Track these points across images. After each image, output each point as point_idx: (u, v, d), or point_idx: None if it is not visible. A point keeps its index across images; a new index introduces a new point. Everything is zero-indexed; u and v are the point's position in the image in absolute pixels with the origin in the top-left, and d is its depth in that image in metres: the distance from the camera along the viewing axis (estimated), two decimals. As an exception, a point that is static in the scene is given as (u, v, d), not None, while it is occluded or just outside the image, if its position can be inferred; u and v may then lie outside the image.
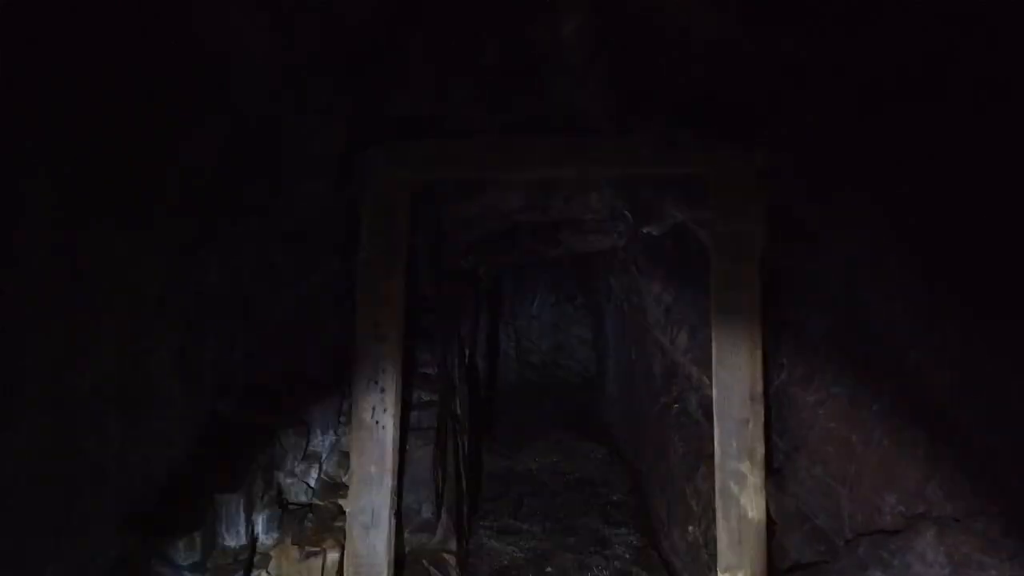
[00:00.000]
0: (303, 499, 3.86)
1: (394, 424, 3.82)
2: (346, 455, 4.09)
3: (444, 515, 4.54)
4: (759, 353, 3.39)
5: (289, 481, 3.84)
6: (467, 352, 6.44)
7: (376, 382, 3.79)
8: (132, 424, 2.83)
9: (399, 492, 3.99)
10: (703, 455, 4.90)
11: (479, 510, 6.24)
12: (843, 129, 2.77)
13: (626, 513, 6.34)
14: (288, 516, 3.68)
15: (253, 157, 3.11)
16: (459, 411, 5.42)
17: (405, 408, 4.07)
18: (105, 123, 2.33)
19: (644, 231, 5.34)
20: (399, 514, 4.02)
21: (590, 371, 11.21)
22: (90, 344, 2.51)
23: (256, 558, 3.46)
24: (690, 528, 4.66)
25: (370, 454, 3.78)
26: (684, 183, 4.17)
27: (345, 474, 4.03)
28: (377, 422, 3.79)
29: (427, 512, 4.31)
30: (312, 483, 3.93)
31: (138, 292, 2.82)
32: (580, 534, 5.88)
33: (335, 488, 3.98)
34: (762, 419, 3.37)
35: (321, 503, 3.88)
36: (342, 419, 4.15)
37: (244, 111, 2.88)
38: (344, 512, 3.87)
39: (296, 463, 3.90)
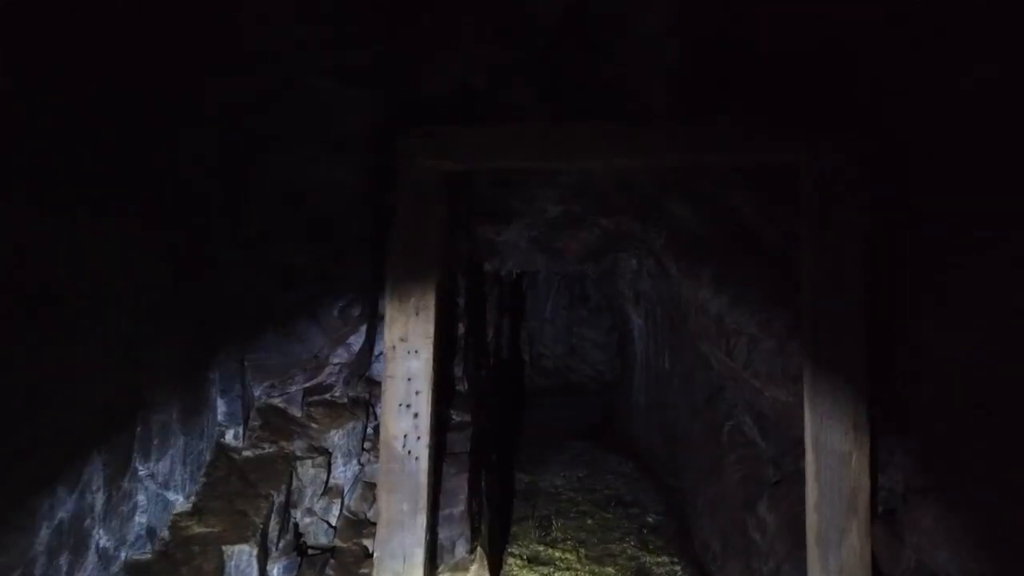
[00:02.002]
0: (323, 541, 3.34)
1: (428, 454, 3.30)
2: (371, 486, 3.57)
3: (478, 550, 4.03)
4: (864, 373, 2.87)
5: (307, 520, 3.32)
6: (492, 361, 5.93)
7: (408, 405, 3.27)
8: (123, 469, 2.32)
9: (433, 530, 3.47)
10: (764, 481, 4.40)
11: (506, 534, 5.72)
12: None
13: (665, 538, 5.82)
14: (307, 564, 3.16)
15: (269, 128, 2.60)
16: (489, 426, 4.90)
17: (438, 432, 3.54)
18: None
19: (696, 232, 4.83)
20: (432, 554, 3.50)
21: (606, 376, 10.72)
22: (64, 378, 2.00)
23: (271, 616, 2.95)
24: (754, 565, 4.14)
25: (402, 489, 3.26)
26: (755, 175, 3.67)
27: (370, 508, 3.52)
28: (409, 452, 3.27)
29: (462, 549, 3.79)
30: (333, 521, 3.41)
31: (131, 307, 2.31)
32: (619, 563, 5.36)
33: (359, 526, 3.46)
34: (867, 452, 2.86)
35: (343, 545, 3.36)
36: (366, 444, 3.63)
37: (259, 66, 2.37)
38: (370, 555, 3.35)
39: (315, 499, 3.38)
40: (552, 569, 5.22)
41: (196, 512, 2.79)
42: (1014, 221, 2.15)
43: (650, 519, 6.23)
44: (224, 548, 2.69)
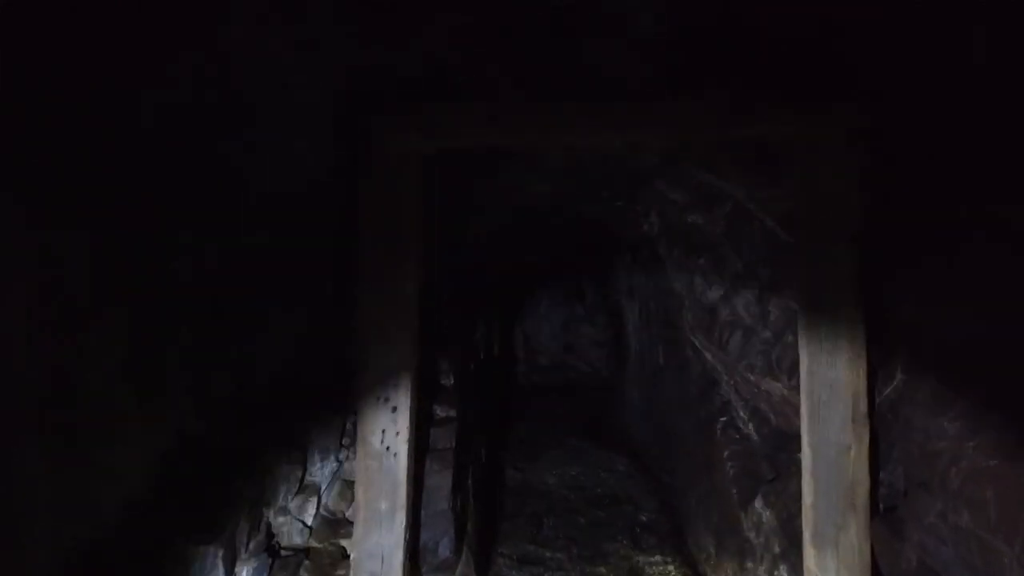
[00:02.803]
0: (298, 541, 3.19)
1: (408, 450, 3.16)
2: (349, 484, 3.42)
3: (464, 550, 3.88)
4: (863, 362, 2.73)
5: (281, 520, 3.16)
6: (483, 356, 5.78)
7: (386, 399, 3.12)
8: (66, 457, 2.16)
9: (414, 529, 3.33)
10: (760, 479, 4.26)
11: (495, 533, 5.57)
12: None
13: (658, 536, 5.68)
14: (279, 565, 3.01)
15: (224, 101, 2.44)
16: (475, 423, 4.75)
17: (420, 427, 3.40)
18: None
19: (689, 220, 4.69)
20: (414, 555, 3.36)
21: (602, 374, 10.56)
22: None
23: (240, 620, 2.80)
24: (749, 565, 4.01)
25: (379, 486, 3.12)
26: (747, 160, 3.53)
27: (348, 507, 3.37)
28: (388, 448, 3.12)
29: (445, 550, 3.65)
30: (309, 521, 3.26)
31: (72, 284, 2.16)
32: (611, 563, 5.22)
33: (336, 525, 3.31)
34: (867, 446, 2.72)
35: (319, 545, 3.21)
36: (345, 440, 3.48)
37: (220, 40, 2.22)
38: (347, 556, 3.21)
39: (290, 497, 3.23)
40: (543, 569, 5.09)
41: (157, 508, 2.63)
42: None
43: (643, 517, 6.10)
44: (187, 548, 2.54)
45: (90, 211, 2.21)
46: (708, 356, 5.13)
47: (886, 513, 2.68)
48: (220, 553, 2.63)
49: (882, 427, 2.74)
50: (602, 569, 5.12)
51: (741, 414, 4.73)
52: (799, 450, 3.97)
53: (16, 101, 1.81)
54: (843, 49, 2.77)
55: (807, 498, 2.81)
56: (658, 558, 5.27)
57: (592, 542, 5.58)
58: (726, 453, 4.65)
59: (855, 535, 2.70)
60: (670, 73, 2.98)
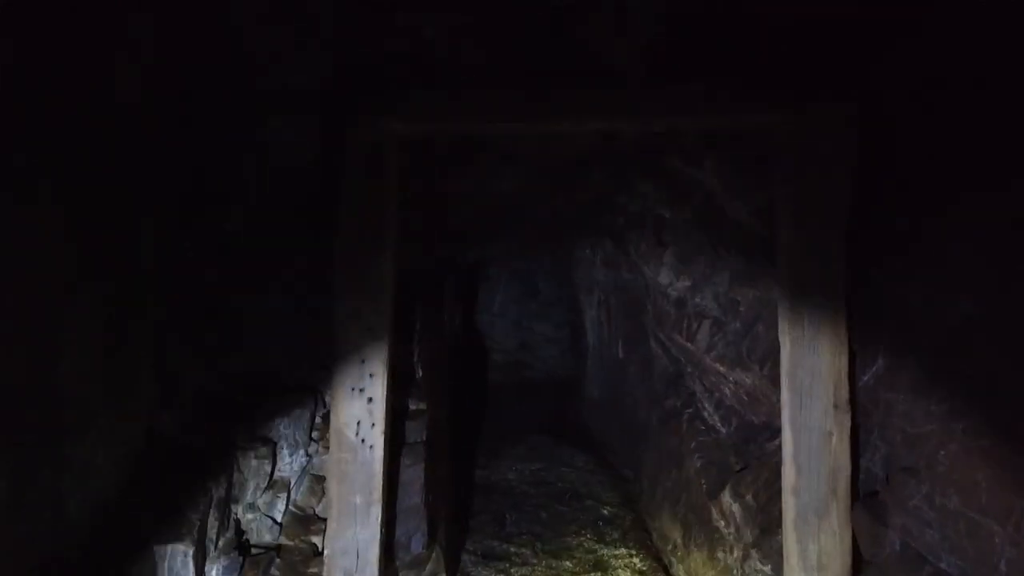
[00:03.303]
0: (267, 539, 3.07)
1: (383, 442, 3.06)
2: (319, 479, 3.31)
3: (435, 546, 3.80)
4: (845, 349, 2.76)
5: (250, 517, 3.04)
6: (449, 348, 5.70)
7: (361, 389, 3.02)
8: (32, 454, 2.02)
9: (389, 524, 3.24)
10: (727, 469, 4.29)
11: (462, 529, 5.50)
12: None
13: (622, 530, 5.67)
14: (250, 563, 2.88)
15: (206, 79, 2.33)
16: (446, 416, 4.68)
17: (394, 419, 3.30)
18: None
19: (658, 212, 4.70)
20: (388, 550, 3.26)
21: (558, 372, 10.52)
22: None
23: (209, 622, 2.67)
24: (719, 555, 4.02)
25: (353, 480, 3.01)
26: (724, 148, 3.53)
27: (319, 503, 3.26)
28: (363, 440, 3.02)
29: (418, 545, 3.56)
30: (279, 517, 3.14)
31: (43, 271, 2.02)
32: (576, 556, 5.19)
33: (307, 522, 3.20)
34: (848, 432, 2.74)
35: (290, 543, 3.09)
36: (315, 434, 3.37)
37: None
38: (319, 553, 3.10)
39: (259, 493, 3.11)
40: (508, 564, 5.03)
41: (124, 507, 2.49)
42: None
43: (605, 511, 6.08)
44: (155, 547, 2.41)
45: (67, 191, 2.07)
46: (673, 349, 5.16)
47: (867, 498, 2.71)
48: (190, 552, 2.51)
49: (863, 413, 2.77)
50: (568, 563, 5.09)
51: (707, 406, 4.76)
52: (769, 439, 4.04)
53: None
54: (837, 41, 2.79)
55: (788, 485, 2.82)
56: (622, 551, 5.26)
57: (556, 537, 5.55)
58: (693, 445, 4.67)
59: (836, 521, 2.72)
60: (660, 61, 2.95)
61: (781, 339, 2.90)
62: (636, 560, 5.09)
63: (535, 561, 5.12)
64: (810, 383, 2.77)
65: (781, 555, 3.50)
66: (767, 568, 3.56)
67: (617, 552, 5.25)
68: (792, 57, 2.75)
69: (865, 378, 2.77)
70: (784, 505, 2.85)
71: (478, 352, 10.65)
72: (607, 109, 2.96)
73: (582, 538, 5.52)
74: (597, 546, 5.37)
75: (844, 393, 2.74)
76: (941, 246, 2.33)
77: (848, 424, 2.74)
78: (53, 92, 1.96)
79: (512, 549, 5.30)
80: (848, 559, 2.73)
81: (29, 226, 1.93)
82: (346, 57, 2.74)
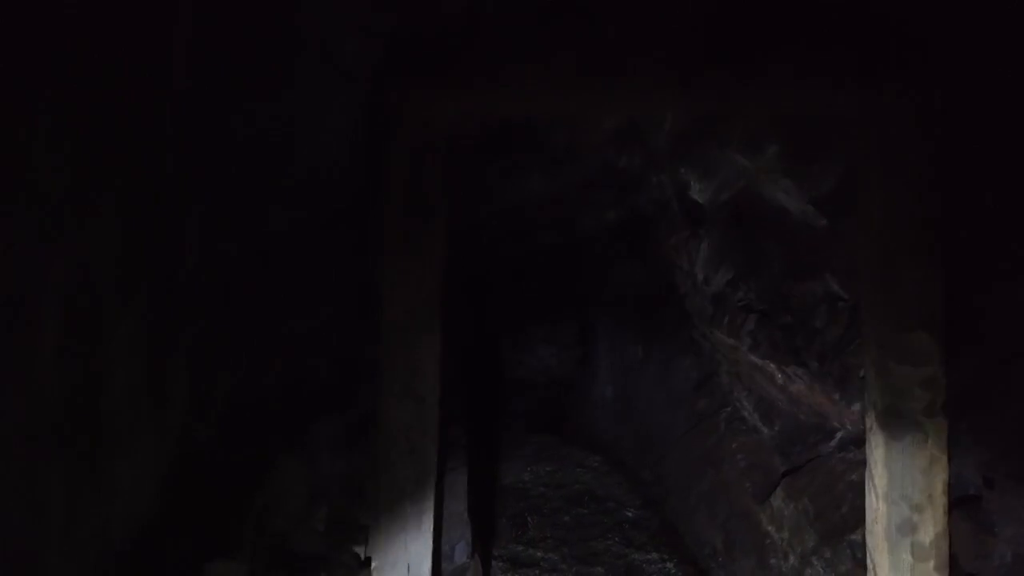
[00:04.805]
0: (311, 550, 2.83)
1: (435, 447, 2.85)
2: (362, 486, 3.08)
3: (476, 555, 3.59)
4: (940, 348, 2.57)
5: (293, 528, 2.80)
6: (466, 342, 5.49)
7: (413, 390, 2.80)
8: (82, 476, 1.78)
9: (438, 533, 3.02)
10: (775, 472, 4.12)
11: (488, 535, 5.28)
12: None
13: (650, 534, 5.48)
14: (296, 577, 2.65)
15: (249, 55, 2.10)
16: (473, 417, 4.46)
17: (442, 421, 3.08)
18: None
19: (695, 200, 4.49)
20: (436, 562, 3.04)
21: (554, 372, 10.23)
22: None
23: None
24: (771, 561, 3.84)
25: (404, 488, 2.79)
26: (775, 132, 3.35)
27: (364, 511, 3.03)
28: (413, 445, 2.80)
29: (461, 555, 3.36)
30: (322, 527, 2.91)
31: (88, 274, 1.79)
32: (606, 562, 5.00)
33: (350, 531, 2.97)
34: (944, 436, 2.56)
35: (334, 553, 2.86)
36: (355, 440, 3.14)
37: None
38: (365, 564, 2.87)
39: (301, 503, 2.87)
40: (538, 571, 4.82)
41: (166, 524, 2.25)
42: None
43: (629, 514, 5.89)
44: (206, 566, 2.17)
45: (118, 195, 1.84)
46: (708, 347, 4.98)
47: (966, 505, 2.53)
48: (240, 569, 2.27)
49: (962, 416, 2.58)
50: (599, 569, 4.89)
51: (746, 405, 4.59)
52: (822, 441, 3.86)
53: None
54: (912, 16, 2.61)
55: (879, 490, 2.64)
56: (654, 555, 5.07)
57: (581, 541, 5.35)
58: (734, 446, 4.50)
59: (932, 529, 2.54)
60: (721, 42, 2.76)
61: (866, 337, 2.71)
62: (670, 565, 4.89)
63: (564, 567, 4.92)
64: (904, 380, 2.59)
65: (846, 563, 3.36)
66: (830, 576, 3.39)
67: (648, 557, 5.06)
68: (864, 37, 2.57)
69: (968, 379, 2.59)
70: (875, 512, 2.66)
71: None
72: (665, 91, 2.76)
73: (609, 542, 5.32)
74: (627, 550, 5.18)
75: (941, 392, 2.56)
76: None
77: (945, 425, 2.56)
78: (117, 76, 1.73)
79: (539, 554, 5.09)
80: (946, 570, 2.55)
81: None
82: (399, 42, 2.51)
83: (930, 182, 2.61)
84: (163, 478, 2.33)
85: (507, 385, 9.25)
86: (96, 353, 1.87)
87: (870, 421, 2.69)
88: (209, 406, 2.70)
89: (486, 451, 6.90)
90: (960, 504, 2.57)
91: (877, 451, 2.64)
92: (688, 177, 4.34)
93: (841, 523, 3.38)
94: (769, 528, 3.91)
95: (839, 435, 3.58)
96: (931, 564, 2.54)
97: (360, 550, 2.96)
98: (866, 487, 2.73)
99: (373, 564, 2.79)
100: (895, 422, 2.58)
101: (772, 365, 4.00)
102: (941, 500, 2.55)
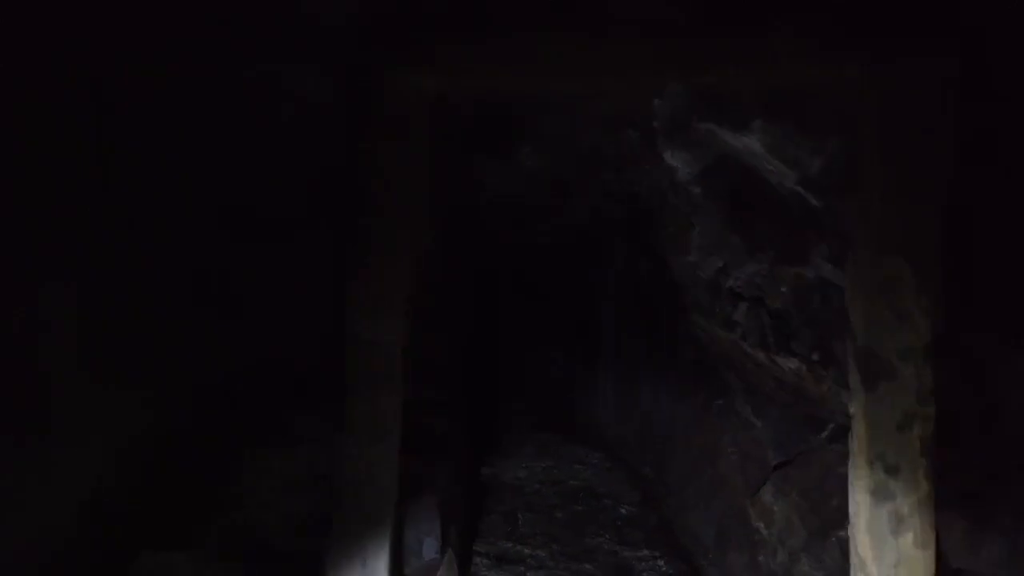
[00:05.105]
0: (279, 544, 2.72)
1: (398, 437, 2.73)
2: (328, 477, 2.96)
3: (448, 551, 3.46)
4: (930, 330, 2.40)
5: (263, 519, 2.69)
6: (465, 340, 5.36)
7: (375, 376, 2.68)
8: (18, 457, 1.67)
9: (399, 528, 2.89)
10: (766, 465, 3.96)
11: (473, 531, 5.15)
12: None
13: (643, 530, 5.35)
14: (259, 570, 2.53)
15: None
16: (461, 409, 4.33)
17: (410, 412, 2.95)
18: None
19: (688, 186, 4.32)
20: (398, 558, 2.92)
21: (550, 370, 10.05)
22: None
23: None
24: (760, 559, 3.68)
25: (364, 479, 2.67)
26: (768, 109, 3.19)
27: (327, 503, 2.91)
28: (376, 433, 2.68)
29: (430, 550, 3.23)
30: (294, 518, 2.79)
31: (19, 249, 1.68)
32: (596, 559, 4.86)
33: (315, 525, 2.85)
34: (933, 421, 2.39)
35: (306, 549, 2.74)
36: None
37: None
38: (323, 559, 2.75)
39: (272, 493, 2.76)
40: (523, 568, 4.68)
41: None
42: None
43: (624, 511, 5.76)
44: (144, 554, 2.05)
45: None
46: (704, 338, 4.82)
47: (964, 499, 2.36)
48: (193, 560, 2.15)
49: (958, 401, 2.41)
50: (588, 566, 4.75)
51: (740, 396, 4.43)
52: (815, 432, 3.70)
53: None
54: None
55: (861, 483, 2.47)
56: (646, 552, 4.94)
57: (574, 538, 5.21)
58: (727, 439, 4.35)
59: (920, 523, 2.37)
60: (724, 6, 2.59)
61: (853, 320, 2.54)
62: (662, 563, 4.76)
63: (552, 564, 4.78)
64: (891, 368, 2.42)
65: (836, 560, 3.19)
66: (819, 574, 3.24)
67: (640, 554, 4.92)
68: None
69: (966, 362, 2.43)
70: (857, 505, 2.50)
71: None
72: (665, 61, 2.61)
73: (601, 539, 5.19)
74: (618, 547, 5.05)
75: (930, 377, 2.39)
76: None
77: (934, 412, 2.39)
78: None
79: (527, 551, 4.96)
80: (932, 566, 2.38)
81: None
82: (378, 12, 2.38)
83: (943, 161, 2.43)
84: (122, 462, 2.22)
85: (509, 381, 9.14)
86: (34, 337, 1.77)
87: (855, 406, 2.53)
88: (182, 390, 2.59)
89: (480, 447, 6.78)
90: (964, 498, 2.39)
91: (860, 440, 2.48)
92: (677, 162, 4.18)
93: (831, 518, 3.23)
94: (759, 524, 3.75)
95: (830, 426, 3.43)
96: (918, 559, 2.37)
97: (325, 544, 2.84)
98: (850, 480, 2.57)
99: (328, 559, 2.67)
100: (878, 405, 2.42)
101: (762, 354, 3.84)
102: (929, 493, 2.38)
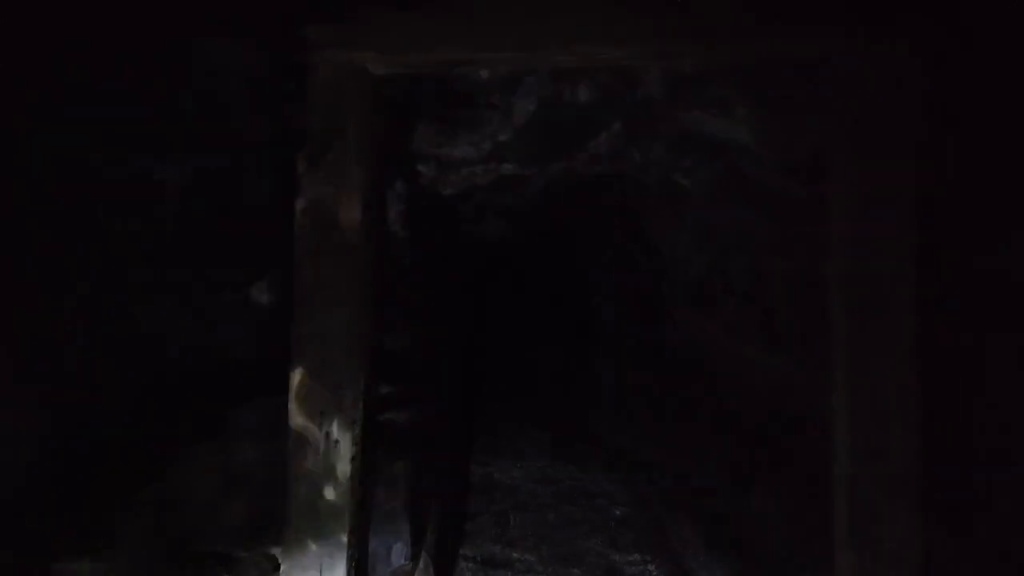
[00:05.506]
0: (218, 550, 2.59)
1: (353, 436, 2.58)
2: (282, 479, 2.83)
3: (423, 555, 3.32)
4: (912, 321, 2.24)
5: (196, 525, 2.56)
6: (448, 331, 5.22)
7: (327, 373, 2.54)
8: None
9: (361, 533, 2.76)
10: (756, 465, 3.80)
11: (458, 534, 5.02)
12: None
13: (635, 533, 5.19)
14: (192, 580, 2.41)
15: None
16: (439, 405, 4.19)
17: (370, 408, 2.81)
18: None
19: (671, 178, 4.17)
20: (361, 564, 2.78)
21: (554, 364, 9.88)
22: None
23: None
24: (748, 562, 3.53)
25: (318, 481, 2.53)
26: (748, 96, 3.04)
27: (281, 506, 2.78)
28: (328, 434, 2.54)
29: (399, 556, 3.09)
30: (232, 525, 2.66)
31: None
32: (585, 563, 4.71)
33: (265, 530, 2.72)
34: (918, 417, 2.23)
35: (244, 554, 2.62)
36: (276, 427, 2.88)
37: None
38: (278, 567, 2.62)
39: (210, 495, 2.63)
40: (510, 572, 4.54)
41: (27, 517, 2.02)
42: None
43: (618, 512, 5.60)
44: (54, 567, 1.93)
45: None
46: (692, 333, 4.67)
47: (943, 498, 2.20)
48: (99, 571, 2.02)
49: (942, 395, 2.25)
50: (576, 571, 4.60)
51: (729, 393, 4.27)
52: (804, 431, 3.54)
53: None
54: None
55: (841, 485, 2.32)
56: (636, 556, 4.78)
57: (565, 540, 5.06)
58: (715, 437, 4.19)
59: (903, 527, 2.22)
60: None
61: (835, 315, 2.39)
62: (651, 567, 4.60)
63: (540, 568, 4.64)
64: (871, 363, 2.26)
65: (825, 565, 3.04)
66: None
67: (630, 558, 4.76)
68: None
69: (949, 354, 2.27)
70: (836, 509, 2.35)
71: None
72: (612, 34, 2.45)
73: (592, 542, 5.04)
74: (609, 551, 4.89)
75: (911, 371, 2.23)
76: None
77: (918, 408, 2.23)
78: None
79: (515, 554, 4.82)
80: (915, 573, 2.22)
81: None
82: None
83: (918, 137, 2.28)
84: (30, 462, 2.09)
85: (504, 381, 9.00)
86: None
87: (838, 404, 2.38)
88: (104, 384, 2.46)
89: (471, 445, 6.65)
90: (947, 501, 2.23)
91: (840, 440, 2.33)
92: (664, 153, 4.04)
93: (820, 522, 3.07)
94: (746, 527, 3.59)
95: (818, 423, 3.26)
96: (901, 565, 2.22)
97: (277, 551, 2.71)
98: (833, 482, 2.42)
99: (283, 567, 2.54)
100: (861, 402, 2.27)
101: (750, 350, 3.69)
102: (914, 494, 2.23)
